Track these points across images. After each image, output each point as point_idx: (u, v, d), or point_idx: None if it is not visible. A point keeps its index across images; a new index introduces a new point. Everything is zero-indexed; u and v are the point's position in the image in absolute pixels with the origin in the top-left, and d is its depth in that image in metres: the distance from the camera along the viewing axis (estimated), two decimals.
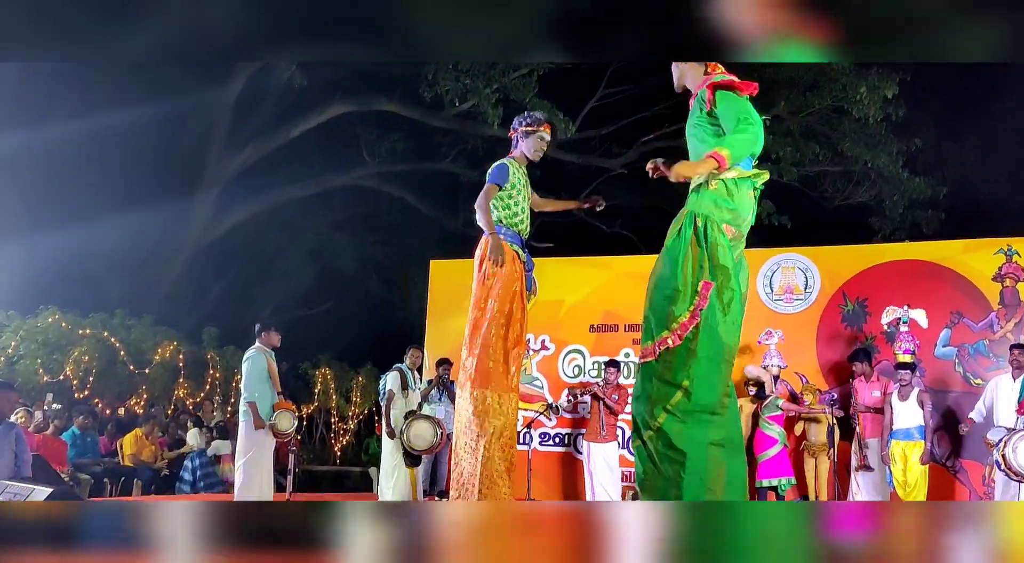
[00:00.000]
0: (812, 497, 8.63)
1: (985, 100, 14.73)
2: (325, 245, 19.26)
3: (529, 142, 4.90)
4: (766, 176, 3.55)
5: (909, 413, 8.04)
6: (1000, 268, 8.92)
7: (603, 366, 9.54)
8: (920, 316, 8.99)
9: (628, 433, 9.93)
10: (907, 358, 8.48)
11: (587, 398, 9.60)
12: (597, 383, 9.55)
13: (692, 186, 3.51)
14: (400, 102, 16.24)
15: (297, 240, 18.95)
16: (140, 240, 15.74)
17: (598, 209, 5.15)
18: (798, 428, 8.88)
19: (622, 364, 9.93)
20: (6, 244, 12.76)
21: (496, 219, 4.74)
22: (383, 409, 8.61)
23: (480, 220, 4.70)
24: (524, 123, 4.93)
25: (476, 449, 4.41)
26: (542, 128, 4.94)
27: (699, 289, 3.32)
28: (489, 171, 4.90)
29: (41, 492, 2.95)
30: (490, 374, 4.49)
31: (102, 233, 14.27)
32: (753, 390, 8.97)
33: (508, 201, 4.79)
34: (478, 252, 4.77)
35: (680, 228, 3.45)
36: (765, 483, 8.50)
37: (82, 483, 9.20)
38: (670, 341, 3.31)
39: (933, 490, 8.11)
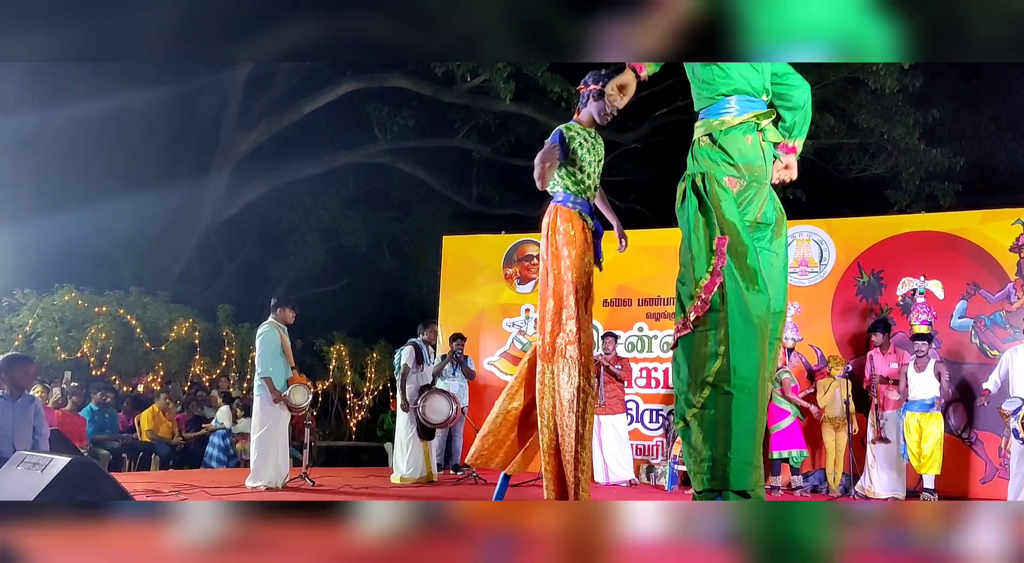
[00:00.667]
0: (831, 469, 8.61)
1: (1003, 70, 14.52)
2: (338, 222, 19.28)
3: (600, 105, 4.30)
4: (766, 116, 3.35)
5: (925, 384, 8.00)
6: (1018, 239, 8.83)
7: (601, 338, 9.50)
8: (936, 287, 8.93)
9: (641, 406, 9.96)
10: (924, 329, 8.42)
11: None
12: (601, 355, 9.56)
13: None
14: (411, 78, 16.18)
15: (310, 218, 18.98)
16: (154, 219, 15.81)
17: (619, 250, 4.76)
18: (821, 401, 8.82)
19: (626, 336, 9.98)
20: (22, 224, 12.84)
21: (564, 187, 4.39)
22: (398, 383, 8.65)
23: (535, 173, 4.25)
24: (599, 82, 4.27)
25: (570, 425, 4.07)
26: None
27: (715, 247, 3.17)
28: (552, 133, 4.39)
29: (59, 462, 2.97)
30: (581, 348, 4.12)
31: (116, 213, 14.35)
32: None
33: (572, 168, 4.39)
34: (546, 219, 4.43)
35: (684, 193, 3.36)
36: (776, 454, 8.50)
37: (101, 458, 9.30)
38: (698, 306, 3.15)
39: (948, 462, 8.08)
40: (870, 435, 8.34)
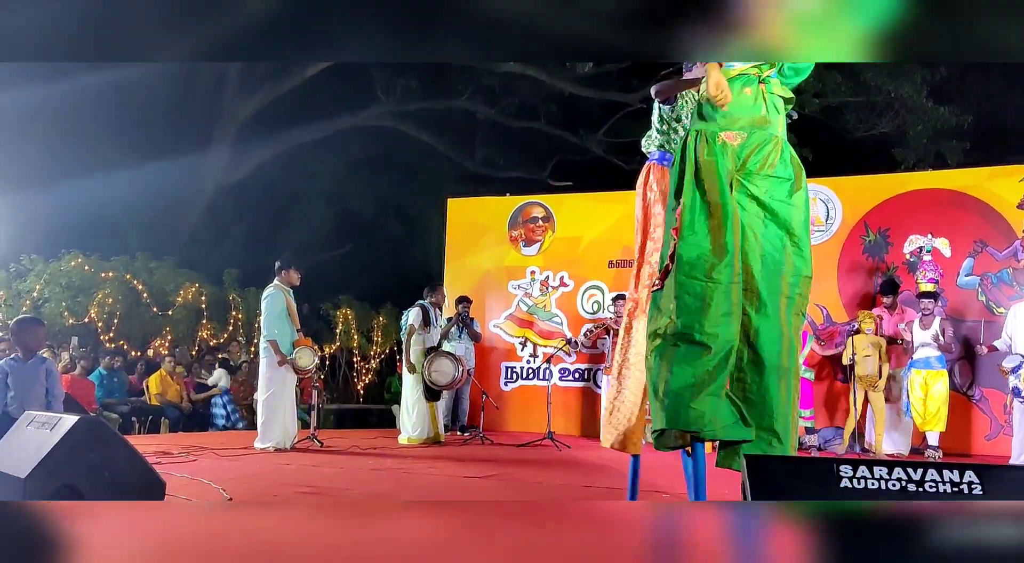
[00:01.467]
0: (849, 428, 8.56)
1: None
2: (342, 187, 19.24)
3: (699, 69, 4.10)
4: (767, 67, 3.27)
5: (930, 342, 8.00)
6: None
7: (613, 299, 9.52)
8: (943, 245, 8.90)
9: None
10: (930, 287, 8.41)
11: (606, 334, 9.63)
12: (609, 318, 9.57)
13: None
14: None
15: (314, 183, 18.93)
16: (158, 186, 15.77)
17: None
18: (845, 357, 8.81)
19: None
20: (27, 192, 12.84)
21: (659, 145, 4.26)
22: (404, 344, 8.67)
23: (661, 87, 4.13)
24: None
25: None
26: None
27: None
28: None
29: (68, 420, 3.00)
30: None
31: (120, 180, 14.32)
32: None
33: (674, 124, 4.35)
34: (640, 178, 4.45)
35: (676, 152, 3.35)
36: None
37: (111, 422, 9.39)
38: (668, 265, 3.17)
39: (952, 419, 8.11)
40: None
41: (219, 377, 10.94)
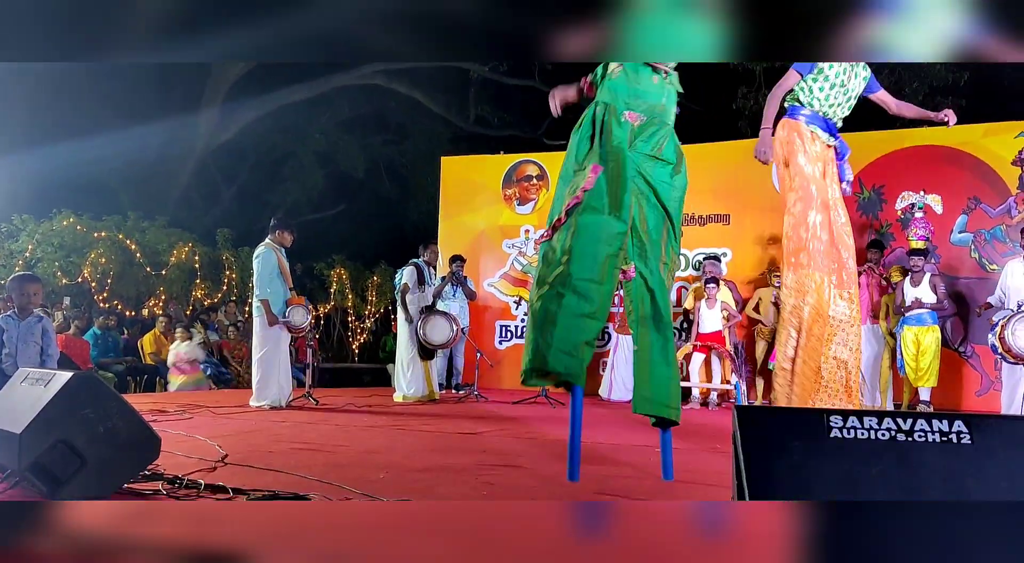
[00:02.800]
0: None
1: None
2: (334, 147, 19.12)
3: None
4: (671, 62, 3.60)
5: (921, 299, 8.03)
6: (1020, 152, 8.76)
7: (705, 259, 9.55)
8: (935, 202, 8.90)
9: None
10: (920, 244, 8.42)
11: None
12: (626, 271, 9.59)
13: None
14: None
15: (305, 142, 18.80)
16: (149, 145, 15.67)
17: (950, 123, 4.69)
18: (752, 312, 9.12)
19: None
20: (15, 152, 12.73)
21: (793, 100, 4.48)
22: (399, 302, 8.68)
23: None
24: None
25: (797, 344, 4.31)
26: None
27: (587, 171, 3.46)
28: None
29: (63, 376, 3.00)
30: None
31: (111, 140, 14.21)
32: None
33: (819, 81, 4.48)
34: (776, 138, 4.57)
35: (583, 118, 3.63)
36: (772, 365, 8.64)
37: (106, 381, 9.39)
38: (559, 219, 3.45)
39: (944, 375, 8.17)
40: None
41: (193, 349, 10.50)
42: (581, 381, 3.36)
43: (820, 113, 4.58)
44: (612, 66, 3.60)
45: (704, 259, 9.44)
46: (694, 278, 9.76)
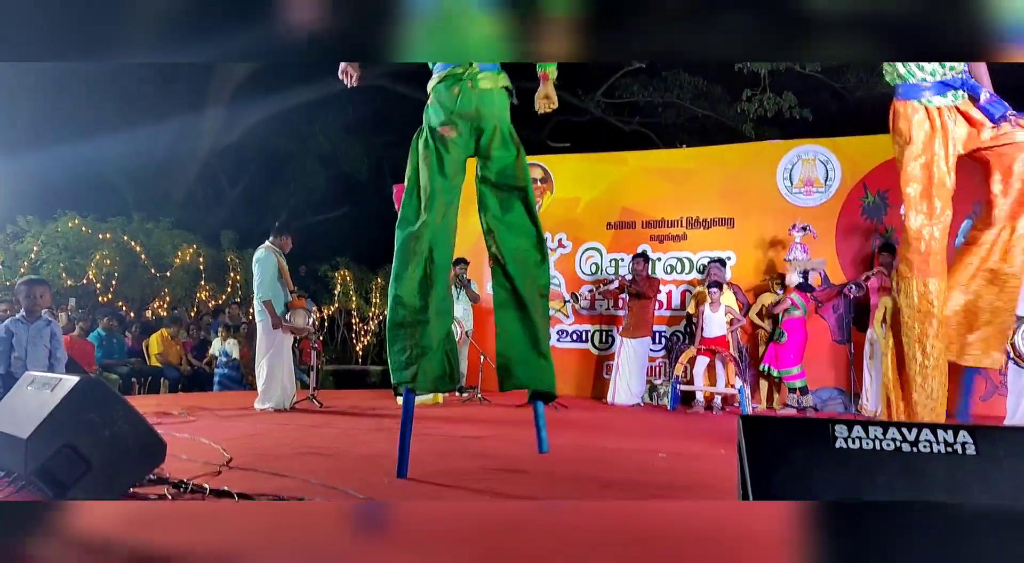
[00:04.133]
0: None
1: None
2: (338, 148, 19.13)
3: None
4: (462, 69, 3.75)
5: None
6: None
7: (633, 259, 9.52)
8: None
9: (666, 329, 10.02)
10: None
11: (619, 292, 9.65)
12: (624, 277, 9.58)
13: None
14: None
15: (309, 144, 18.82)
16: (154, 146, 15.69)
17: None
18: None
19: (629, 259, 9.95)
20: (20, 152, 12.75)
21: (896, 75, 4.20)
22: None
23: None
24: None
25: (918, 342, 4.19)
26: None
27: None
28: None
29: (69, 381, 3.01)
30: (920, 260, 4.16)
31: (116, 141, 14.24)
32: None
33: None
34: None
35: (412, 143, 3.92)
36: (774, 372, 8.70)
37: (111, 383, 9.42)
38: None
39: (949, 379, 8.13)
40: (867, 353, 8.38)
41: (230, 347, 10.65)
42: (417, 388, 3.64)
43: (914, 82, 4.18)
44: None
45: (708, 262, 9.44)
46: (698, 282, 9.75)
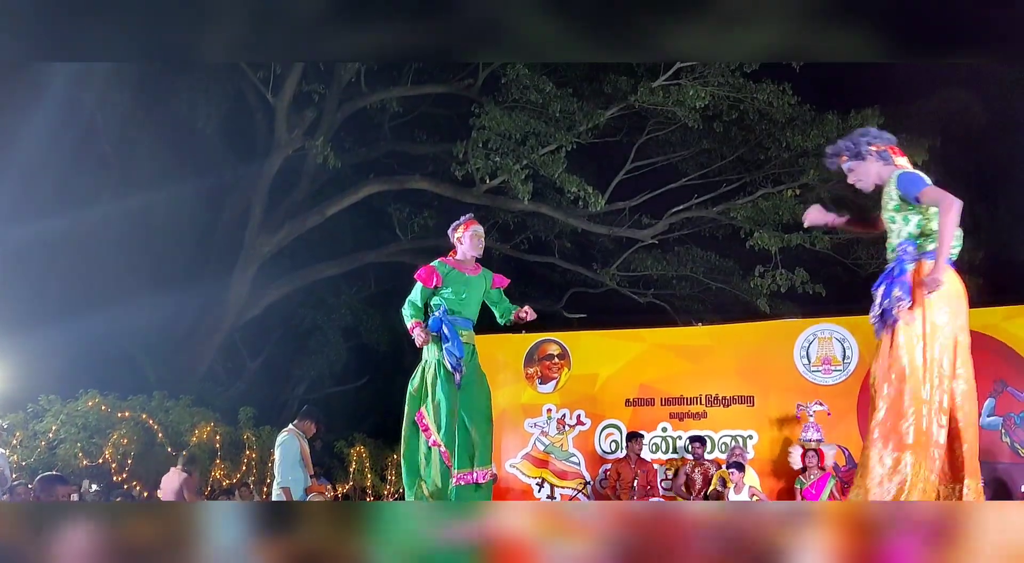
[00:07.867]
0: None
1: (1018, 161, 14.65)
2: (359, 321, 19.42)
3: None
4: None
5: None
6: None
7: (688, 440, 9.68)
8: None
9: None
10: None
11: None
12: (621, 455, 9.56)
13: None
14: (431, 180, 16.57)
15: (332, 316, 19.13)
16: (178, 320, 15.98)
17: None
18: None
19: (650, 437, 9.93)
20: (46, 329, 12.98)
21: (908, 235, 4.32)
22: None
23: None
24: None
25: None
26: None
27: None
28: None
29: None
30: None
31: (140, 314, 14.52)
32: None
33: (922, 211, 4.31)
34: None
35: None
36: None
37: None
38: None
39: None
40: None
41: None
42: None
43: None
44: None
45: (688, 440, 9.43)
46: (721, 461, 9.59)
